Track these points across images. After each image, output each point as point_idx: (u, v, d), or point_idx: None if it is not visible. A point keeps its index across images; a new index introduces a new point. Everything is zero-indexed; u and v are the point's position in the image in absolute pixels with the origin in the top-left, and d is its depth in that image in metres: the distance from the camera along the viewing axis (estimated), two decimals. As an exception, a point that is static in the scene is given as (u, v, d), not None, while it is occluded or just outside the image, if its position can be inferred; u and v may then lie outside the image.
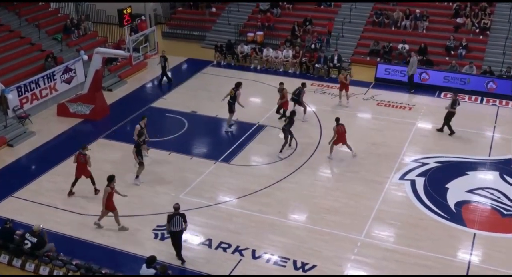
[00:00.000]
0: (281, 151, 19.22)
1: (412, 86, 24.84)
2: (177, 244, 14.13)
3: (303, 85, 22.12)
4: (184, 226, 13.85)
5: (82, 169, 16.91)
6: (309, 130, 20.36)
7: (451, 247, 14.81)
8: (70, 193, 17.11)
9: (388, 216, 16.04)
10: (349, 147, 18.99)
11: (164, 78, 26.02)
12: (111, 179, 15.20)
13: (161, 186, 17.62)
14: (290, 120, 19.16)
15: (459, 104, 20.65)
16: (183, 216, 13.85)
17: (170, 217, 13.79)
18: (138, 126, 18.41)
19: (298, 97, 21.76)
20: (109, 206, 15.18)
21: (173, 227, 13.79)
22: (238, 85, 21.24)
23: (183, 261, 14.17)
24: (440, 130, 20.84)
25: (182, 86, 25.85)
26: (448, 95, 24.35)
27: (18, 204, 16.86)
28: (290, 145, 19.45)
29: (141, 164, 17.60)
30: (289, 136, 19.20)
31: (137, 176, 17.71)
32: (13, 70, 23.54)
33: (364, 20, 29.93)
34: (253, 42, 29.56)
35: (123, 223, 15.43)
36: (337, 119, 18.82)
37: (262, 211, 16.30)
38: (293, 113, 19.66)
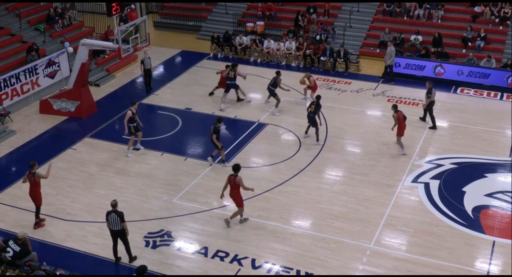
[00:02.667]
0: (318, 140, 19.98)
1: (392, 77, 25.24)
2: (124, 241, 14.35)
3: (278, 73, 22.69)
4: (122, 226, 14.05)
5: (32, 193, 15.69)
6: (314, 129, 20.33)
7: (468, 256, 14.83)
8: (36, 225, 15.97)
9: (400, 223, 16.06)
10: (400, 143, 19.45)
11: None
12: (239, 168, 15.64)
13: (152, 190, 17.63)
14: (317, 106, 19.80)
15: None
16: (120, 215, 14.00)
17: (107, 215, 14.12)
18: (129, 112, 18.95)
19: (274, 87, 22.34)
20: (241, 200, 15.59)
21: (111, 226, 14.09)
22: (235, 65, 22.92)
23: (131, 259, 14.53)
24: (433, 127, 21.11)
25: (176, 81, 25.85)
26: (465, 90, 24.42)
27: (-3, 209, 16.89)
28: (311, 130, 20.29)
29: (222, 148, 18.55)
30: (318, 121, 19.90)
31: (223, 161, 18.79)
32: (-8, 64, 23.61)
33: (373, 9, 29.92)
34: (253, 32, 29.55)
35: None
36: (395, 106, 19.27)
37: (262, 217, 16.31)
38: (318, 97, 20.16)
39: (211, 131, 18.36)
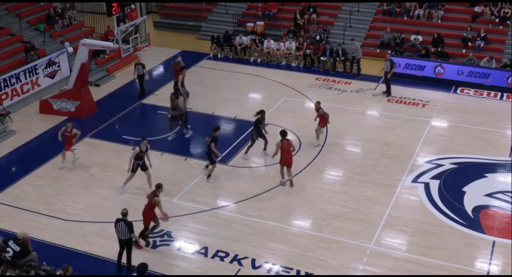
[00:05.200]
0: (246, 153, 19.38)
1: (359, 73, 25.96)
2: (127, 251, 14.15)
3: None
4: (129, 236, 13.83)
5: (144, 212, 14.95)
6: (314, 129, 20.35)
7: (468, 256, 14.83)
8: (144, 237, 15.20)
9: (400, 223, 16.06)
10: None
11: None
12: (286, 133, 17.33)
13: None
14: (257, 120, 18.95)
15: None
16: (128, 225, 13.76)
17: (115, 222, 13.96)
18: (137, 148, 17.10)
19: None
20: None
21: (119, 234, 13.94)
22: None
23: (129, 270, 14.23)
24: (388, 93, 23.71)
25: (176, 81, 25.82)
26: (465, 90, 24.42)
27: (-3, 209, 16.89)
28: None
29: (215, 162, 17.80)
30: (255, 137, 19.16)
31: (209, 175, 18.01)
32: (-8, 64, 23.60)
33: (373, 9, 29.91)
34: (253, 32, 29.54)
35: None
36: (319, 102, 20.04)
37: (262, 217, 16.31)
38: (261, 111, 19.19)
39: (208, 142, 17.51)
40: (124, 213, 13.89)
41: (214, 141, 17.52)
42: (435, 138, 20.52)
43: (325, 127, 20.10)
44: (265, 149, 19.40)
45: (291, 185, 17.48)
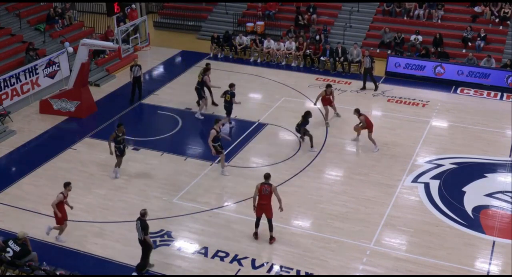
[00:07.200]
0: (312, 146, 19.64)
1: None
2: (142, 252, 14.01)
3: (207, 65, 22.88)
4: (141, 236, 13.71)
5: (264, 206, 14.94)
6: (314, 129, 20.35)
7: (468, 256, 14.83)
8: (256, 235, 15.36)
9: (400, 223, 16.06)
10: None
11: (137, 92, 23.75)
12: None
13: (152, 190, 17.62)
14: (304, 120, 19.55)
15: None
16: (143, 225, 13.60)
17: (136, 220, 13.85)
18: (213, 131, 17.71)
19: (201, 86, 22.19)
20: None
21: (137, 233, 13.87)
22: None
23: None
24: (364, 88, 24.31)
25: (176, 81, 25.84)
26: (465, 90, 24.41)
27: (-3, 209, 16.88)
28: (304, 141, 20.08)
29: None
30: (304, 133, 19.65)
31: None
32: (-8, 64, 23.60)
33: (373, 9, 29.92)
34: (253, 32, 29.54)
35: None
36: (358, 110, 19.71)
37: (263, 217, 16.28)
38: (308, 113, 19.54)
39: (228, 98, 20.55)
40: (143, 213, 13.71)
41: (233, 96, 20.54)
42: (435, 138, 20.51)
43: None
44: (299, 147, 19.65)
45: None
